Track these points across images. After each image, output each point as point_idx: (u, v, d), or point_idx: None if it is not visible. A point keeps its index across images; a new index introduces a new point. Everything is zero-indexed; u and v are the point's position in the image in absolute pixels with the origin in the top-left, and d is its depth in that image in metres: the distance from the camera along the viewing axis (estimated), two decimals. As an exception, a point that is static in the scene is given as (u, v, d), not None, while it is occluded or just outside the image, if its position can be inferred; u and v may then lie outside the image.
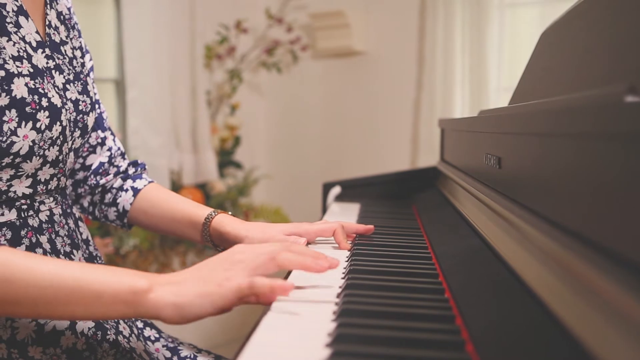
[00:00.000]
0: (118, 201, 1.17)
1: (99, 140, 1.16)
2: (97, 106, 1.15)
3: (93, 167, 1.16)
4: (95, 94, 1.14)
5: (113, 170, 1.18)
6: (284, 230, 1.07)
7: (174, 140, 2.83)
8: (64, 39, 1.03)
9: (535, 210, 0.74)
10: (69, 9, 1.08)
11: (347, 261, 0.97)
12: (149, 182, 1.21)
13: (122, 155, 1.21)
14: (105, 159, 1.17)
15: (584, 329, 0.50)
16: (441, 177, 1.67)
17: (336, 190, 1.78)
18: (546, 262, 0.64)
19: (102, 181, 1.17)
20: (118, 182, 1.19)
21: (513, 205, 0.83)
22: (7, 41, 0.87)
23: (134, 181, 1.19)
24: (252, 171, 3.17)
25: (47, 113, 0.89)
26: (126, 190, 1.18)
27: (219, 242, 1.10)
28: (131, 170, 1.21)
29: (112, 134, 1.20)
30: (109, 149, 1.18)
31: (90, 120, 1.04)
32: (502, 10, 2.63)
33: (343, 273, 0.90)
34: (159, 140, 2.74)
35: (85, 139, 1.06)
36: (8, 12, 0.89)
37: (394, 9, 2.96)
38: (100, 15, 2.73)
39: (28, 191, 0.92)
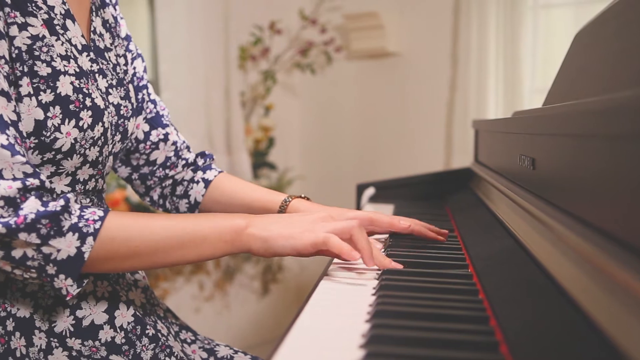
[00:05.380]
0: (190, 193, 1.21)
1: (161, 137, 1.19)
2: (153, 105, 1.19)
3: (159, 162, 1.19)
4: (149, 94, 1.18)
5: (181, 162, 1.21)
6: (360, 216, 1.10)
7: (207, 142, 2.84)
8: (108, 45, 1.06)
9: (570, 211, 0.74)
10: (115, 18, 1.11)
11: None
12: (219, 172, 1.24)
13: (188, 148, 1.24)
14: (172, 153, 1.20)
15: (618, 331, 0.50)
16: (475, 178, 1.66)
17: (370, 191, 1.78)
18: (581, 263, 0.64)
19: (171, 173, 1.20)
20: (189, 174, 1.22)
21: (547, 206, 0.82)
22: (56, 40, 0.91)
23: (204, 172, 1.23)
24: (286, 172, 3.19)
25: (89, 113, 0.92)
26: (197, 182, 1.21)
27: None
28: (200, 162, 1.24)
29: (175, 129, 1.22)
30: (174, 143, 1.21)
31: (131, 125, 1.07)
32: (536, 11, 2.61)
33: (377, 274, 0.91)
34: (193, 141, 2.75)
35: (125, 144, 1.08)
36: (56, 15, 0.93)
37: (428, 10, 2.95)
38: (134, 17, 2.76)
39: (67, 189, 0.95)
